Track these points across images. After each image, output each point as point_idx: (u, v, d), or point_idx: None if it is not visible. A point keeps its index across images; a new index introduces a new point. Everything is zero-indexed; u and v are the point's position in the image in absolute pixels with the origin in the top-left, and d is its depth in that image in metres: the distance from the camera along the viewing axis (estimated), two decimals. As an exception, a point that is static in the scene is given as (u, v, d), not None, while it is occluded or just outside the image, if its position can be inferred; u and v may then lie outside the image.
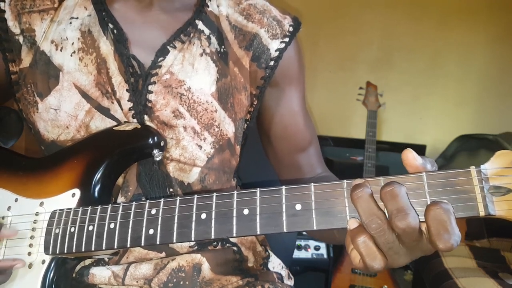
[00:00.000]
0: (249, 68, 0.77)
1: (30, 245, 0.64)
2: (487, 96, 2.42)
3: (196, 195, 0.54)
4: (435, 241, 0.42)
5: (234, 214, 0.52)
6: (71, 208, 0.62)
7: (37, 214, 0.65)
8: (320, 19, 2.44)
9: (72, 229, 0.60)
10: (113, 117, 0.71)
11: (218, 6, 0.78)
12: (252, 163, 0.92)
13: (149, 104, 0.70)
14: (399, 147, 2.26)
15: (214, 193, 0.53)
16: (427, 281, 1.73)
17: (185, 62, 0.73)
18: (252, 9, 0.78)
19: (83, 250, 0.59)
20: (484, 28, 2.37)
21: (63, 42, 0.72)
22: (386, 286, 1.77)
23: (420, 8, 2.40)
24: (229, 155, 0.78)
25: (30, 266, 0.63)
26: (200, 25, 0.75)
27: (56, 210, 0.63)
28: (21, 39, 0.73)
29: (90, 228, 0.59)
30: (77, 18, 0.73)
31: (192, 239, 0.53)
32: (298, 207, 0.49)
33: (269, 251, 0.87)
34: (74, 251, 0.60)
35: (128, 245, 0.57)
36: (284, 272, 0.87)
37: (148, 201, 0.57)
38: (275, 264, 0.86)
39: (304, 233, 1.74)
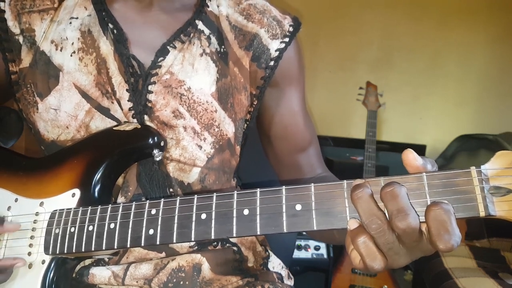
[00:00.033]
0: (249, 68, 0.77)
1: (30, 245, 0.64)
2: (487, 96, 2.42)
3: (196, 195, 0.54)
4: (435, 241, 0.42)
5: (234, 214, 0.52)
6: (71, 208, 0.62)
7: (37, 214, 0.65)
8: (320, 19, 2.44)
9: (72, 229, 0.60)
10: (113, 117, 0.71)
11: (218, 6, 0.78)
12: (252, 163, 0.92)
13: (149, 104, 0.70)
14: (399, 147, 2.26)
15: (214, 193, 0.53)
16: (427, 281, 1.73)
17: (185, 62, 0.73)
18: (252, 9, 0.78)
19: (83, 250, 0.59)
20: (484, 28, 2.37)
21: (63, 42, 0.72)
22: (386, 286, 1.77)
23: (420, 8, 2.40)
24: (229, 155, 0.78)
25: (30, 266, 0.63)
26: (200, 25, 0.75)
27: (56, 210, 0.63)
28: (21, 39, 0.73)
29: (90, 228, 0.59)
30: (77, 18, 0.73)
31: (192, 239, 0.53)
32: (298, 207, 0.49)
33: (269, 251, 0.87)
34: (74, 251, 0.60)
35: (128, 245, 0.57)
36: (284, 272, 0.86)
37: (148, 201, 0.57)
38: (275, 264, 0.86)
39: (304, 233, 1.74)
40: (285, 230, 0.49)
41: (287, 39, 0.78)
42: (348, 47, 2.49)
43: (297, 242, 1.82)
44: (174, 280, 0.72)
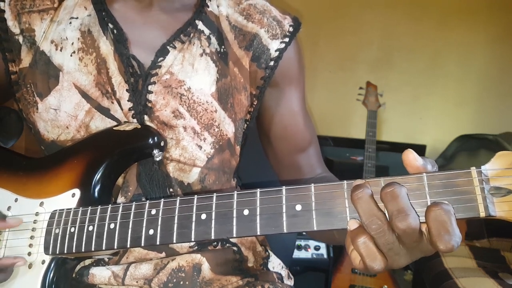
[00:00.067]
0: (249, 68, 0.77)
1: (30, 245, 0.64)
2: (487, 96, 2.42)
3: (196, 196, 0.54)
4: (435, 242, 0.42)
5: (234, 215, 0.52)
6: (71, 208, 0.62)
7: (37, 214, 0.65)
8: (320, 19, 2.44)
9: (72, 229, 0.60)
10: (113, 117, 0.71)
11: (218, 6, 0.77)
12: (252, 163, 0.92)
13: (149, 104, 0.70)
14: (399, 147, 2.26)
15: (214, 194, 0.53)
16: (427, 281, 1.73)
17: (185, 62, 0.72)
18: (252, 9, 0.78)
19: (83, 250, 0.59)
20: (484, 28, 2.37)
21: (63, 42, 0.72)
22: (386, 286, 1.77)
23: (420, 8, 2.40)
24: (229, 155, 0.78)
25: (30, 266, 0.63)
26: (200, 25, 0.75)
27: (56, 210, 0.63)
28: (20, 39, 0.73)
29: (90, 228, 0.59)
30: (77, 18, 0.73)
31: (192, 239, 0.53)
32: (299, 207, 0.49)
33: (269, 251, 0.87)
34: (74, 251, 0.60)
35: (128, 246, 0.57)
36: (284, 272, 0.86)
37: (148, 201, 0.57)
38: (275, 264, 0.86)
39: (304, 233, 1.74)
40: (285, 231, 0.49)
41: (287, 39, 0.77)
42: (348, 47, 2.49)
43: (297, 242, 1.82)
44: (174, 280, 0.72)
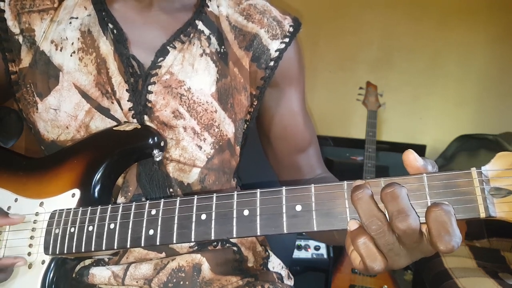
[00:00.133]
0: (249, 68, 0.77)
1: (30, 245, 0.64)
2: (487, 96, 2.42)
3: (196, 196, 0.54)
4: (436, 242, 0.42)
5: (234, 215, 0.52)
6: (71, 208, 0.62)
7: (37, 214, 0.65)
8: (320, 19, 2.44)
9: (72, 230, 0.60)
10: (113, 117, 0.71)
11: (218, 7, 0.77)
12: (252, 163, 0.92)
13: (149, 105, 0.70)
14: (399, 147, 2.26)
15: (214, 194, 0.53)
16: (427, 281, 1.73)
17: (185, 62, 0.72)
18: (252, 9, 0.78)
19: (83, 250, 0.59)
20: (484, 28, 2.37)
21: (63, 42, 0.71)
22: (386, 286, 1.77)
23: (420, 8, 2.40)
24: (229, 155, 0.78)
25: (30, 266, 0.63)
26: (200, 25, 0.75)
27: (56, 210, 0.63)
28: (20, 39, 0.72)
29: (90, 228, 0.59)
30: (77, 18, 0.73)
31: (192, 239, 0.53)
32: (299, 208, 0.49)
33: (269, 251, 0.87)
34: (74, 251, 0.60)
35: (128, 246, 0.57)
36: (284, 272, 0.86)
37: (148, 201, 0.57)
38: (275, 264, 0.86)
39: (304, 233, 1.74)
40: (285, 231, 0.49)
41: (287, 40, 0.77)
42: (348, 47, 2.49)
43: (297, 242, 1.82)
44: (174, 280, 0.72)
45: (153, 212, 0.56)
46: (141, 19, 0.74)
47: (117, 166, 0.68)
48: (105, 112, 0.70)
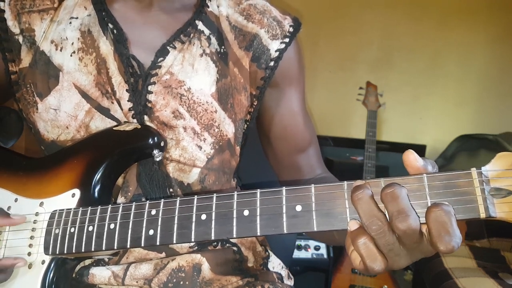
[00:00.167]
0: (249, 68, 0.77)
1: (30, 245, 0.64)
2: (487, 96, 2.42)
3: (196, 196, 0.54)
4: (436, 243, 0.42)
5: (234, 215, 0.52)
6: (71, 208, 0.62)
7: (37, 214, 0.65)
8: (320, 19, 2.44)
9: (72, 230, 0.60)
10: (113, 117, 0.71)
11: (218, 7, 0.77)
12: (252, 163, 0.92)
13: (149, 105, 0.70)
14: (399, 147, 2.26)
15: (214, 194, 0.53)
16: (427, 281, 1.73)
17: (185, 62, 0.72)
18: (252, 10, 0.78)
19: (83, 250, 0.59)
20: (484, 28, 2.37)
21: (63, 42, 0.71)
22: (386, 286, 1.77)
23: (420, 8, 2.40)
24: (229, 155, 0.78)
25: (30, 266, 0.63)
26: (200, 25, 0.75)
27: (56, 210, 0.63)
28: (20, 39, 0.72)
29: (90, 228, 0.59)
30: (77, 18, 0.73)
31: (192, 240, 0.53)
32: (299, 208, 0.49)
33: (269, 251, 0.87)
34: (74, 251, 0.60)
35: (128, 246, 0.57)
36: (284, 272, 0.86)
37: (148, 201, 0.57)
38: (275, 264, 0.86)
39: (304, 233, 1.74)
40: (285, 231, 0.49)
41: (287, 40, 0.77)
42: (348, 47, 2.49)
43: (297, 242, 1.82)
44: (174, 280, 0.72)
45: (153, 212, 0.56)
46: (141, 19, 0.74)
47: (117, 166, 0.68)
48: (105, 112, 0.70)
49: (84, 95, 0.70)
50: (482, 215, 0.43)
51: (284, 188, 0.50)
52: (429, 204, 0.44)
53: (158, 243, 0.55)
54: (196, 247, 0.76)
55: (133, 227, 0.56)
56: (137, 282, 0.71)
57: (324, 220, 0.48)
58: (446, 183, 0.45)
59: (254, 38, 0.76)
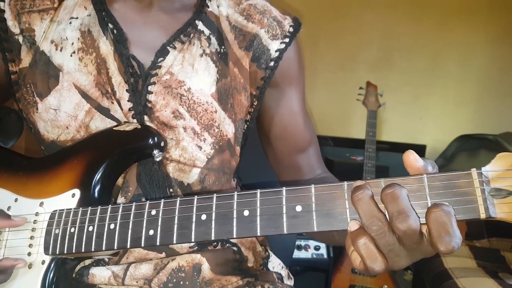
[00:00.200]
0: (249, 68, 0.77)
1: (30, 245, 0.64)
2: (487, 96, 2.42)
3: (196, 196, 0.54)
4: (436, 243, 0.42)
5: (234, 215, 0.52)
6: (71, 209, 0.62)
7: (37, 214, 0.65)
8: (320, 19, 2.44)
9: (72, 230, 0.60)
10: (113, 117, 0.71)
11: (218, 7, 0.77)
12: (252, 164, 0.92)
13: (149, 105, 0.70)
14: (399, 147, 2.26)
15: (214, 194, 0.53)
16: (427, 281, 1.73)
17: (185, 62, 0.72)
18: (252, 10, 0.78)
19: (83, 250, 0.59)
20: (484, 28, 2.37)
21: (63, 42, 0.71)
22: (386, 286, 1.78)
23: (420, 8, 2.40)
24: (229, 155, 0.78)
25: (30, 266, 0.63)
26: (200, 25, 0.75)
27: (56, 211, 0.63)
28: (20, 39, 0.72)
29: (90, 228, 0.59)
30: (77, 18, 0.73)
31: (192, 240, 0.53)
32: (299, 208, 0.49)
33: (269, 251, 0.87)
34: (74, 251, 0.60)
35: (128, 246, 0.57)
36: (284, 272, 0.86)
37: (148, 201, 0.57)
38: (275, 264, 0.86)
39: (304, 233, 1.74)
40: (285, 231, 0.49)
41: (287, 40, 0.77)
42: (348, 47, 2.49)
43: (297, 242, 1.82)
44: (174, 280, 0.72)
45: (153, 212, 0.56)
46: (141, 19, 0.74)
47: (117, 166, 0.68)
48: (105, 112, 0.70)
49: (84, 95, 0.70)
50: (482, 215, 0.43)
51: (284, 188, 0.50)
52: (429, 205, 0.44)
53: (158, 243, 0.55)
54: (196, 247, 0.76)
55: (133, 227, 0.56)
56: (137, 282, 0.71)
57: (324, 221, 0.48)
58: (446, 184, 0.45)
59: (254, 38, 0.76)
